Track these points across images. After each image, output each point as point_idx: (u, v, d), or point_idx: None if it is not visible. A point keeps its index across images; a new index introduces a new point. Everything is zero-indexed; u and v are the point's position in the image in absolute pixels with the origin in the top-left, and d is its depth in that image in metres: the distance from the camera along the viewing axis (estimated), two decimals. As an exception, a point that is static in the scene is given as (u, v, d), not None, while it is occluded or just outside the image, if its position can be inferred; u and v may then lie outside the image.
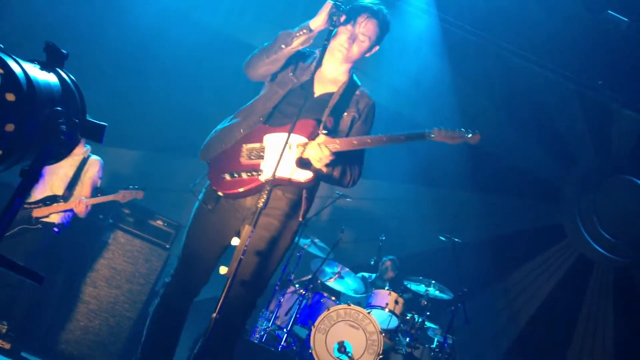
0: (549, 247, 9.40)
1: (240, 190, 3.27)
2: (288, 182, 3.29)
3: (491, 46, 8.33)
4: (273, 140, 3.33)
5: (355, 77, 3.64)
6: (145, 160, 8.33)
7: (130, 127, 7.44)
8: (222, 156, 3.40)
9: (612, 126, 9.02)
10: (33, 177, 1.51)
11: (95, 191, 6.06)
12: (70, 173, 5.94)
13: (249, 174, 3.28)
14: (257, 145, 3.34)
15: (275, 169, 2.83)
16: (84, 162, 6.02)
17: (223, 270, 2.74)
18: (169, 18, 7.83)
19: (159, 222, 6.44)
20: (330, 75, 3.54)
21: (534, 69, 8.51)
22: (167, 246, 6.36)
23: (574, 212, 9.49)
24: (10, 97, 1.41)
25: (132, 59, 7.72)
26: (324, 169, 3.25)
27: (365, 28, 3.43)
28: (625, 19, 7.31)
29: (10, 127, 1.40)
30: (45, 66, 1.61)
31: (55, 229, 5.73)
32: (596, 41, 7.77)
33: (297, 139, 3.28)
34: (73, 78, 1.65)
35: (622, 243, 9.29)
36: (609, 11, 7.39)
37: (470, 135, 3.27)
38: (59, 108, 1.52)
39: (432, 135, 3.28)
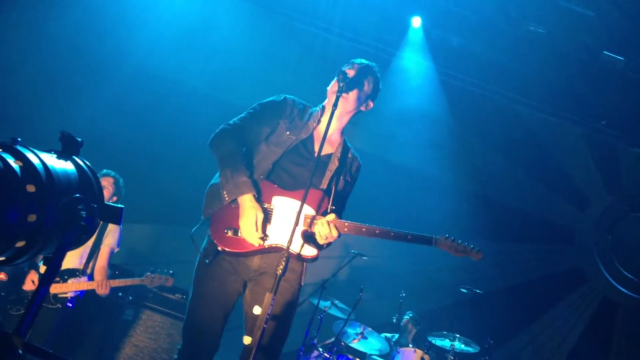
0: (571, 292, 9.25)
1: (241, 251, 3.29)
2: (296, 257, 3.31)
3: (491, 95, 8.41)
4: (281, 205, 3.35)
5: (346, 138, 3.73)
6: (156, 233, 8.35)
7: (139, 201, 7.45)
8: (226, 209, 3.36)
9: (620, 165, 8.98)
10: (57, 265, 1.54)
11: (113, 258, 5.84)
12: (90, 243, 5.57)
13: None
14: (264, 205, 3.35)
15: (290, 242, 2.86)
16: (103, 227, 5.74)
17: (247, 340, 2.77)
18: (189, 98, 7.97)
19: (177, 296, 6.41)
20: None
21: (536, 115, 8.57)
22: (188, 319, 6.31)
23: (593, 254, 9.37)
24: (30, 188, 1.45)
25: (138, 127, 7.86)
26: (324, 245, 3.32)
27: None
28: (621, 58, 7.38)
29: (32, 218, 1.44)
30: (62, 155, 1.66)
31: (69, 304, 5.40)
32: (595, 82, 7.83)
33: (305, 209, 3.31)
34: (89, 164, 1.70)
35: (645, 281, 9.12)
36: (605, 52, 7.47)
37: (476, 251, 3.42)
38: (77, 195, 1.57)
39: (439, 242, 3.43)
